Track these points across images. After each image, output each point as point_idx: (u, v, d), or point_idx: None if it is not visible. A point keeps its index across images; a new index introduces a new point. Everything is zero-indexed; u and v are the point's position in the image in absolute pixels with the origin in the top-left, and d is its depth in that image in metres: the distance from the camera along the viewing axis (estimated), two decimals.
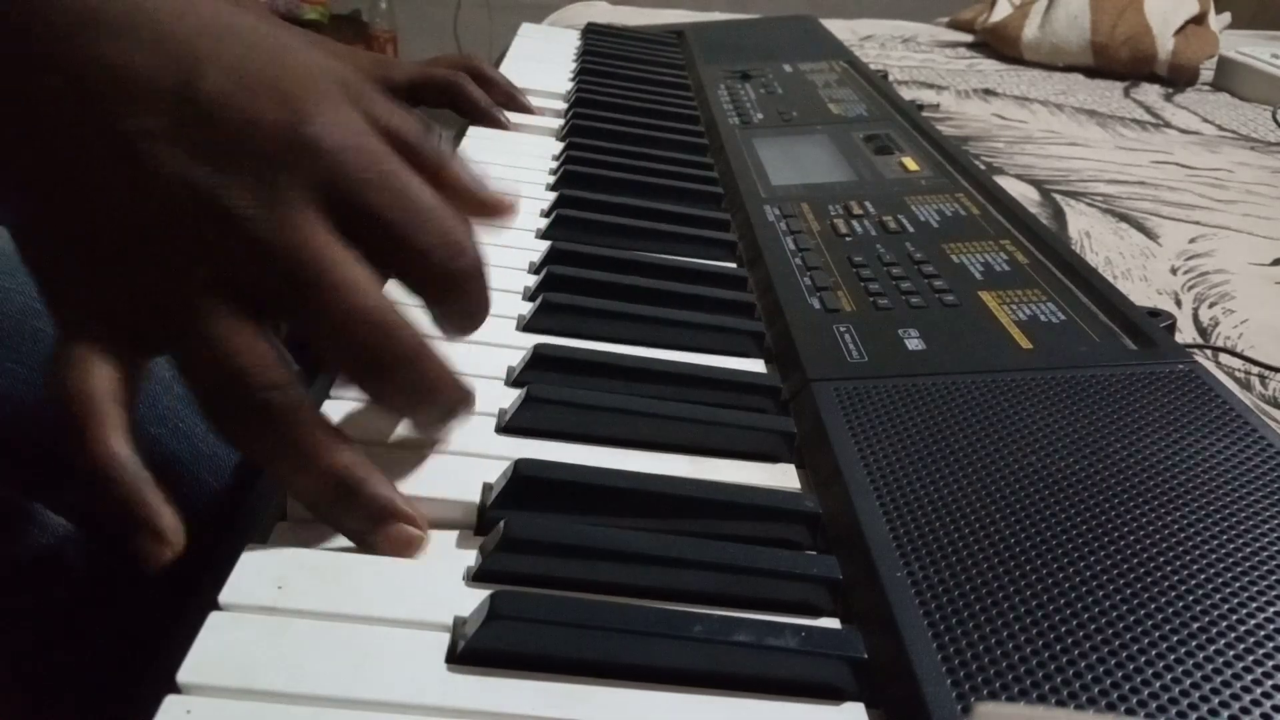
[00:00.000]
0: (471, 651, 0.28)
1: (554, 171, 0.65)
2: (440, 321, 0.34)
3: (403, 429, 0.37)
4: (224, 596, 0.29)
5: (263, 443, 0.29)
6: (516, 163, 0.66)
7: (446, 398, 0.33)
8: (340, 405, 0.38)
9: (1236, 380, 0.59)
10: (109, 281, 0.28)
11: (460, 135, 0.71)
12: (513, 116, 0.75)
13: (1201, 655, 0.29)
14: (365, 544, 0.31)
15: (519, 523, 0.32)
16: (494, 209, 0.36)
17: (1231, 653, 0.29)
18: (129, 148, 0.27)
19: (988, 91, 1.17)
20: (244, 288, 0.28)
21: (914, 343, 0.44)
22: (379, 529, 0.31)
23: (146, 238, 0.27)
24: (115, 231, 0.27)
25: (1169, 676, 0.28)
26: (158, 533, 0.29)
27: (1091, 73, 1.27)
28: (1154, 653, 0.29)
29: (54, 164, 0.27)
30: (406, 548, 0.31)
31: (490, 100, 0.74)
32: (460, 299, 0.33)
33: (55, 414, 0.29)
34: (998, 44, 1.35)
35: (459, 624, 0.30)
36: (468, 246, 0.32)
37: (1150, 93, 1.22)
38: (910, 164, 0.66)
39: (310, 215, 0.28)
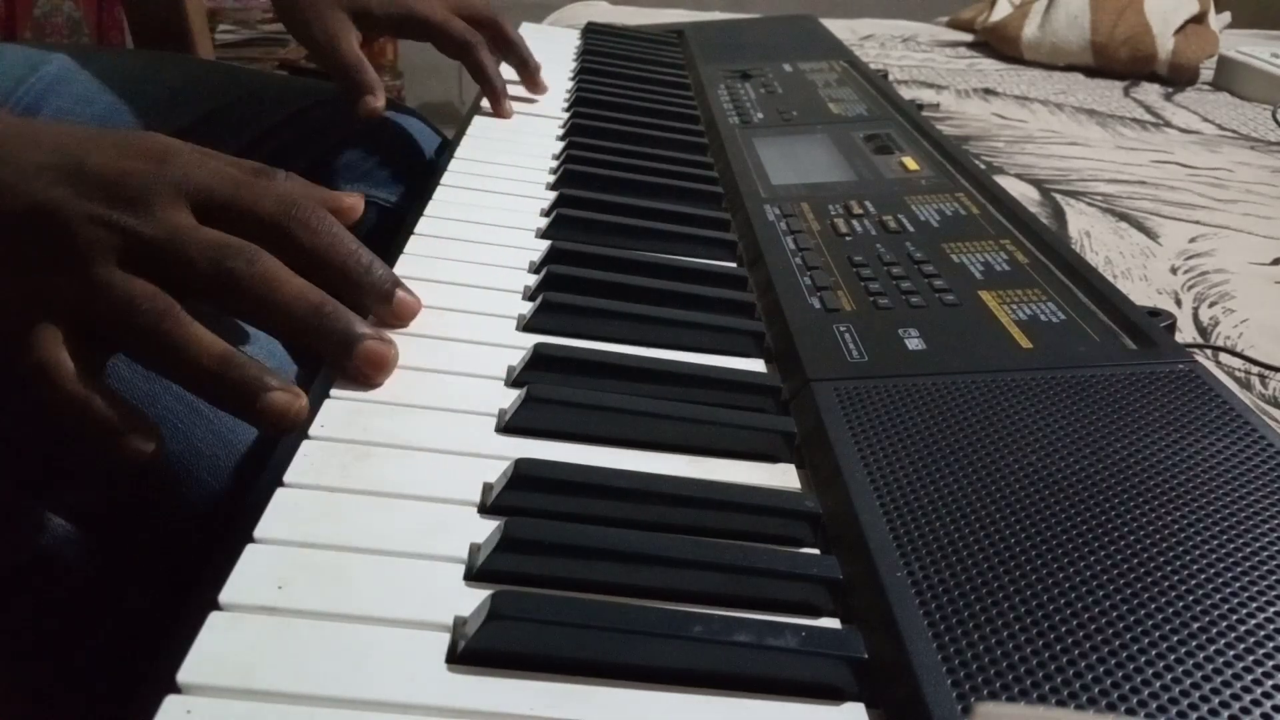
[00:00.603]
0: (471, 651, 0.28)
1: (554, 171, 0.65)
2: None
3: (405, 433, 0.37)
4: (224, 596, 0.29)
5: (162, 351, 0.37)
6: (517, 162, 0.66)
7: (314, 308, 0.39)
8: (336, 409, 0.38)
9: (1236, 380, 0.59)
10: (44, 282, 0.37)
11: (462, 132, 0.71)
12: (516, 108, 0.76)
13: (1201, 655, 0.29)
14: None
15: (519, 523, 0.32)
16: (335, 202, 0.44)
17: (1231, 653, 0.29)
18: (47, 205, 0.37)
19: (988, 91, 1.17)
20: (139, 265, 0.37)
21: (914, 342, 0.44)
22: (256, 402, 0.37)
23: (64, 245, 0.37)
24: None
25: (1169, 676, 0.28)
26: (143, 431, 0.37)
27: (1091, 72, 1.27)
28: (1154, 653, 0.29)
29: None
30: (291, 415, 0.37)
31: (499, 74, 0.74)
32: (297, 246, 0.40)
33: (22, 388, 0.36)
34: (998, 43, 1.35)
35: (459, 624, 0.30)
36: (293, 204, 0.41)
37: (1150, 92, 1.22)
38: (910, 164, 0.66)
39: (179, 207, 0.39)
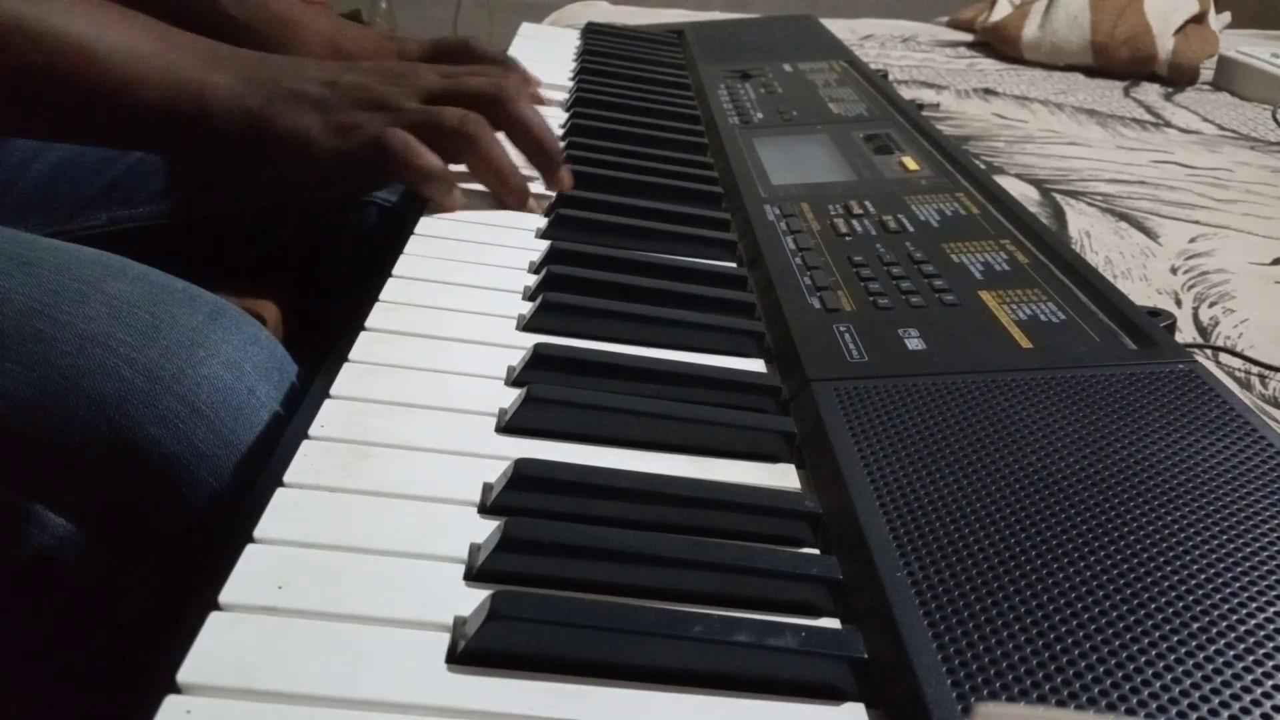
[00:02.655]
0: (471, 651, 0.28)
1: None
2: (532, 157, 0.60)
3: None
4: (224, 596, 0.29)
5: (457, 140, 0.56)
6: (517, 161, 0.66)
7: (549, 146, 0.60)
8: (337, 410, 0.38)
9: (1236, 380, 0.59)
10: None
11: None
12: None
13: (1201, 655, 0.29)
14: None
15: (519, 523, 0.32)
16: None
17: (1231, 653, 0.29)
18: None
19: (988, 91, 1.17)
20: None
21: (914, 342, 0.44)
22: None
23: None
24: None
25: (1169, 676, 0.28)
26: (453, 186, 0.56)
27: (1091, 72, 1.27)
28: (1154, 653, 0.29)
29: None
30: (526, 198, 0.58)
31: None
32: (516, 122, 0.59)
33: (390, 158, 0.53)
34: (998, 43, 1.35)
35: (459, 624, 0.29)
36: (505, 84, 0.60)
37: (1150, 92, 1.22)
38: (910, 164, 0.66)
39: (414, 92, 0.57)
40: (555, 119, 0.77)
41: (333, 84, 0.55)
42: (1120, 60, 1.25)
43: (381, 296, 0.46)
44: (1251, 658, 0.29)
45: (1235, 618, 0.30)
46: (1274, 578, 0.31)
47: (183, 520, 0.44)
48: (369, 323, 0.44)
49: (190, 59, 0.53)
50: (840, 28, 1.34)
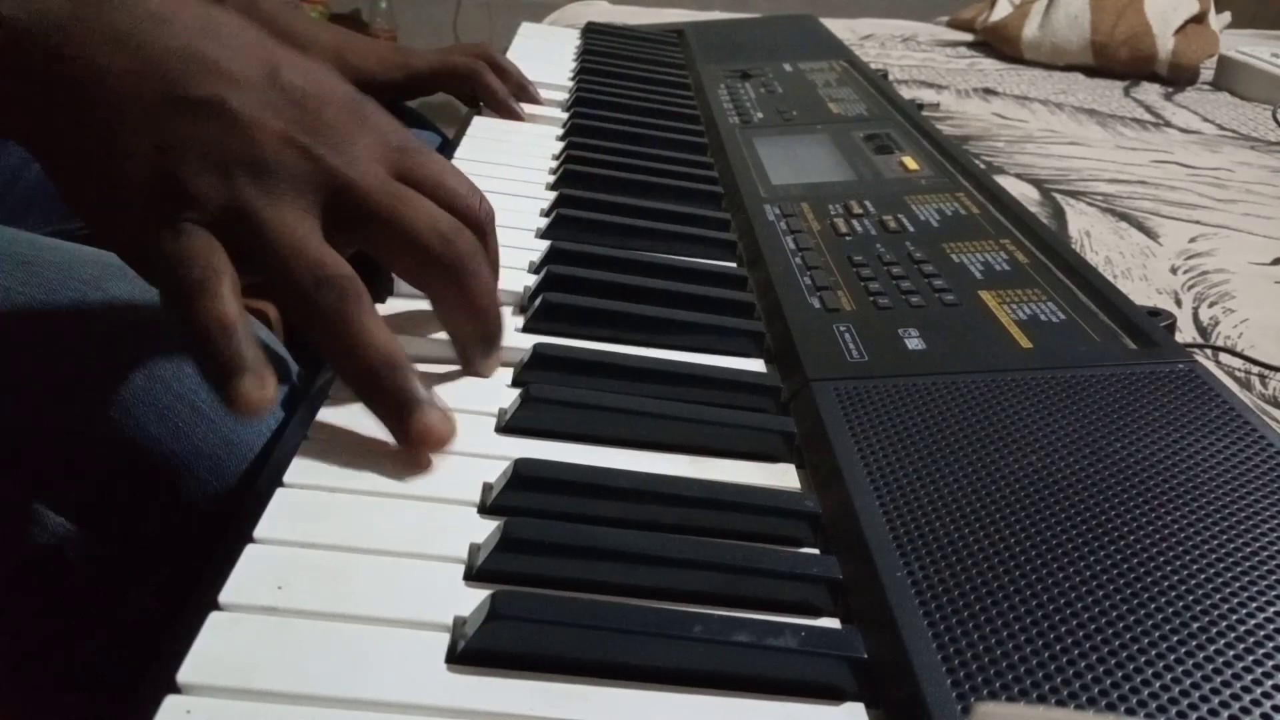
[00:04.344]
0: (471, 651, 0.28)
1: (554, 171, 0.65)
2: (449, 322, 0.40)
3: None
4: (224, 596, 0.29)
5: (323, 321, 0.35)
6: (516, 162, 0.66)
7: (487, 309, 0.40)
8: (336, 410, 0.38)
9: (1236, 380, 0.59)
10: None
11: (462, 132, 0.71)
12: (523, 107, 0.78)
13: (1201, 655, 0.29)
14: (397, 433, 0.35)
15: (519, 523, 0.32)
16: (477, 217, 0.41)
17: (1231, 653, 0.29)
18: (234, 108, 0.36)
19: (988, 91, 1.17)
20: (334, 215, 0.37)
21: (914, 342, 0.44)
22: (407, 417, 0.35)
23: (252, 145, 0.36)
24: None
25: (1169, 676, 0.28)
26: (260, 377, 0.33)
27: (1091, 72, 1.27)
28: (1154, 653, 0.29)
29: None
30: (433, 440, 0.35)
31: (507, 91, 0.77)
32: (456, 282, 0.38)
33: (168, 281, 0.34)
34: (998, 43, 1.35)
35: (459, 624, 0.30)
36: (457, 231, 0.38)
37: (1150, 92, 1.22)
38: (910, 163, 0.66)
39: (375, 157, 0.38)
40: (555, 119, 0.77)
41: (238, 83, 0.36)
42: (1120, 60, 1.25)
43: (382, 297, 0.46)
44: (1251, 658, 0.29)
45: (1235, 618, 0.30)
46: (1274, 578, 0.31)
47: (183, 520, 0.44)
48: None
49: None
50: (840, 28, 1.34)
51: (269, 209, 0.35)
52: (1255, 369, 0.60)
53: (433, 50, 0.80)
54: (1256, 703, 0.27)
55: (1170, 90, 1.23)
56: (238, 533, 0.32)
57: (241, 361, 0.33)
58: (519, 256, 0.52)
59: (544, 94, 0.81)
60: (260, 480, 0.35)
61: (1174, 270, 0.73)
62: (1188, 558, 0.32)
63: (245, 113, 0.35)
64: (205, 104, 0.35)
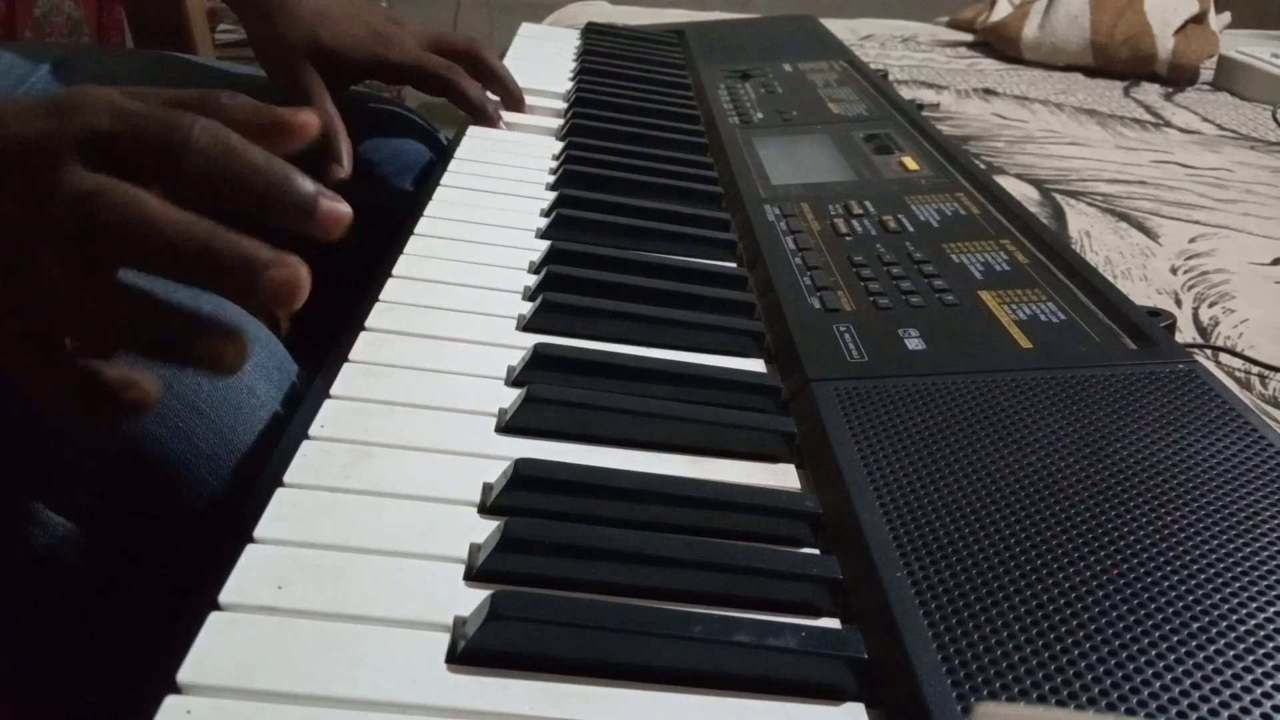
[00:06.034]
0: (471, 651, 0.28)
1: (554, 171, 0.65)
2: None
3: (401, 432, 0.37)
4: (224, 596, 0.29)
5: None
6: (516, 163, 0.66)
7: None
8: (336, 410, 0.38)
9: (1236, 380, 0.59)
10: None
11: (461, 133, 0.71)
12: (511, 116, 0.75)
13: (1201, 655, 0.29)
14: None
15: (519, 523, 0.32)
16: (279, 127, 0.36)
17: (1231, 653, 0.29)
18: None
19: (988, 91, 1.17)
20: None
21: (914, 342, 0.44)
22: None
23: None
24: None
25: (1169, 676, 0.28)
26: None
27: (1091, 72, 1.27)
28: (1154, 653, 0.29)
29: None
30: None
31: (484, 97, 0.73)
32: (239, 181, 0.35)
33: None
34: (998, 43, 1.35)
35: (459, 624, 0.30)
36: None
37: (1150, 92, 1.22)
38: (910, 164, 0.66)
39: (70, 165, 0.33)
40: (555, 120, 0.77)
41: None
42: (1120, 60, 1.25)
43: (381, 296, 0.46)
44: (1251, 658, 0.29)
45: (1235, 618, 0.30)
46: (1274, 578, 0.31)
47: (183, 520, 0.44)
48: (369, 323, 0.44)
49: None
50: (840, 28, 1.34)
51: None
52: (1255, 369, 0.60)
53: (423, 35, 0.74)
54: (1256, 703, 0.27)
55: (1170, 90, 1.23)
56: (238, 533, 0.32)
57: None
58: (519, 256, 0.52)
59: (544, 94, 0.81)
60: (260, 480, 0.35)
61: (1174, 270, 0.73)
62: (1188, 558, 0.32)
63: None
64: None
